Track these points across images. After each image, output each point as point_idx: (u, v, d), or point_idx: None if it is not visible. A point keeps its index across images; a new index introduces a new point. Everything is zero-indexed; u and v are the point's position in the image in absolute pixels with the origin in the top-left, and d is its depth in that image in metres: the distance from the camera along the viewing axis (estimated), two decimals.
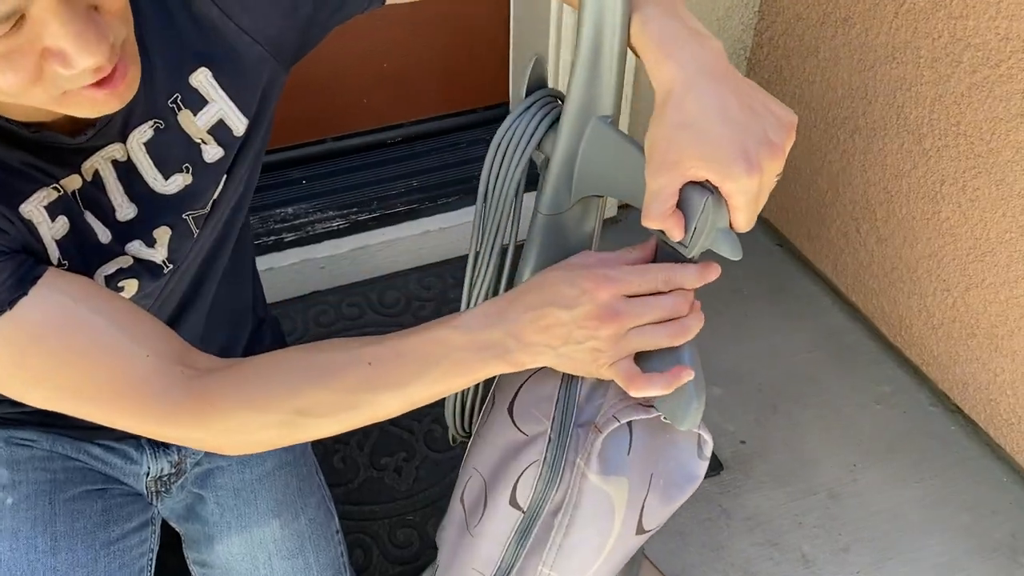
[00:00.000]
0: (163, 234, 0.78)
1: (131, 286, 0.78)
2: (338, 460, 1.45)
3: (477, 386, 0.92)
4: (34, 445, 0.95)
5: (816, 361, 1.63)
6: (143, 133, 0.73)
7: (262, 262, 1.69)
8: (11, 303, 0.65)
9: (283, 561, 0.99)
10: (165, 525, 1.05)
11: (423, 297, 1.74)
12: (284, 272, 1.69)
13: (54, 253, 0.71)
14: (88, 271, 0.74)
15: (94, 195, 0.73)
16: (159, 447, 1.00)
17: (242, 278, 1.01)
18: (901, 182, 1.49)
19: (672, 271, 0.65)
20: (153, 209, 0.76)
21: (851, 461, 1.46)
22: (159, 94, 0.73)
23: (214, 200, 0.80)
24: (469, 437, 0.98)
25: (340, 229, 1.71)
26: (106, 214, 0.75)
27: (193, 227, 0.80)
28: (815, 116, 1.65)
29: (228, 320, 0.99)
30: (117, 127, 0.72)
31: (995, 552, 1.33)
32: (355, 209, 1.73)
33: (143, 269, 0.78)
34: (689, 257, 0.65)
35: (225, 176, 0.79)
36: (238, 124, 0.77)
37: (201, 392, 0.70)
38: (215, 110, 0.76)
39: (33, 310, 0.66)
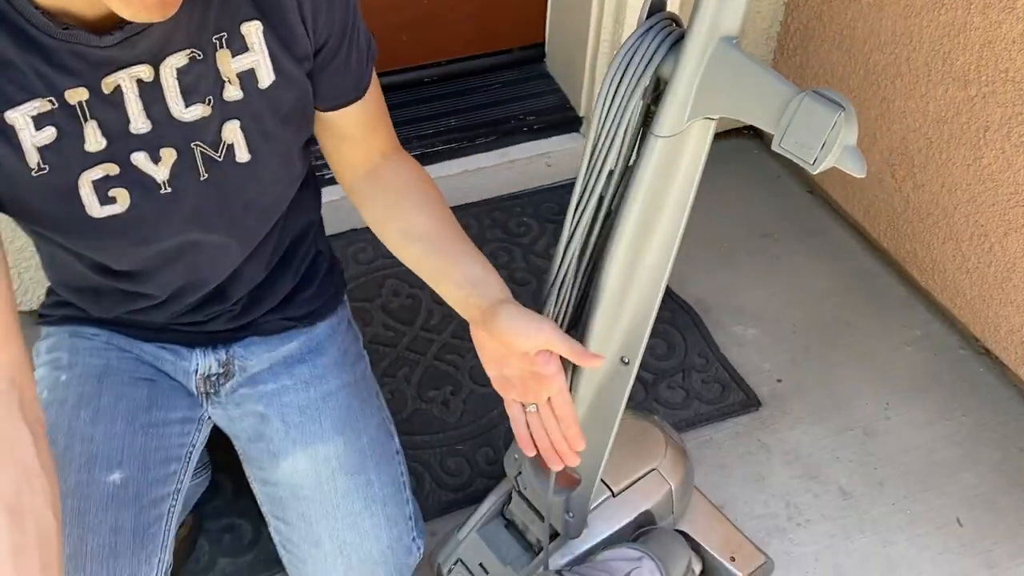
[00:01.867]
0: (169, 155, 0.80)
1: (122, 196, 0.80)
2: (386, 392, 1.48)
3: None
4: (95, 338, 1.01)
5: (848, 303, 1.67)
6: (179, 59, 0.76)
7: None
8: None
9: (346, 477, 1.02)
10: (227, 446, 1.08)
11: None
12: (323, 209, 1.70)
13: (33, 158, 0.75)
14: (70, 175, 0.77)
15: (103, 107, 0.76)
16: (208, 346, 1.04)
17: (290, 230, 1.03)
18: (943, 128, 1.51)
19: None
20: (166, 130, 0.79)
21: (884, 400, 1.51)
22: (207, 29, 0.76)
23: (229, 146, 0.82)
24: None
25: None
26: (112, 126, 0.77)
27: (201, 167, 0.82)
28: (855, 62, 1.67)
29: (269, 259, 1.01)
30: (151, 47, 0.74)
31: None
32: None
33: (136, 182, 0.80)
34: (814, 173, 0.67)
35: (238, 122, 0.81)
36: (266, 78, 0.80)
37: None
38: (251, 59, 0.79)
39: None
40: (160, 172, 0.81)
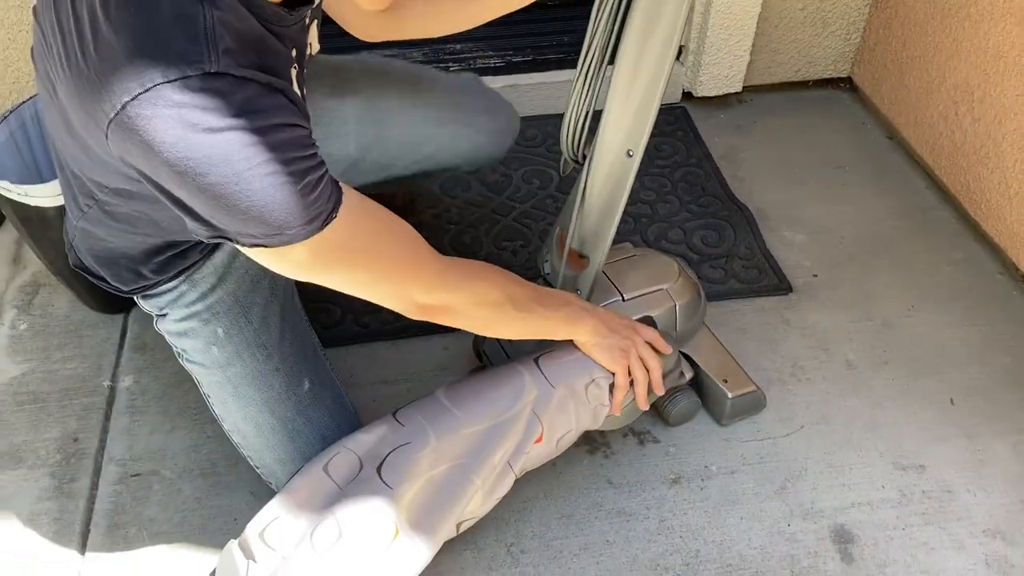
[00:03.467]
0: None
1: None
2: (468, 238, 1.76)
3: (587, 114, 1.19)
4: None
5: (900, 228, 1.80)
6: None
7: None
8: (338, 198, 0.88)
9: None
10: None
11: (558, 137, 2.01)
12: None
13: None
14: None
15: (304, 60, 0.99)
16: None
17: None
18: (999, 63, 1.63)
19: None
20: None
21: (910, 302, 1.64)
22: None
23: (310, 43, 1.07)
24: (579, 163, 1.26)
25: (496, 67, 2.01)
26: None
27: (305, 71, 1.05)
28: (933, 7, 1.81)
29: None
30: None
31: None
32: (511, 52, 2.02)
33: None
34: None
35: (316, 21, 1.07)
36: None
37: (445, 268, 1.05)
38: None
39: (348, 200, 0.89)
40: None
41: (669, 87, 2.08)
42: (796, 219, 1.82)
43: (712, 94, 2.08)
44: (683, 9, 1.05)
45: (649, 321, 1.35)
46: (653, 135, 2.04)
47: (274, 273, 1.22)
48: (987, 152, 1.70)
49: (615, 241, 1.27)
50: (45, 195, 1.34)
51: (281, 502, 1.12)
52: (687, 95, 2.11)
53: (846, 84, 2.19)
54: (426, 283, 1.03)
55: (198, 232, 0.87)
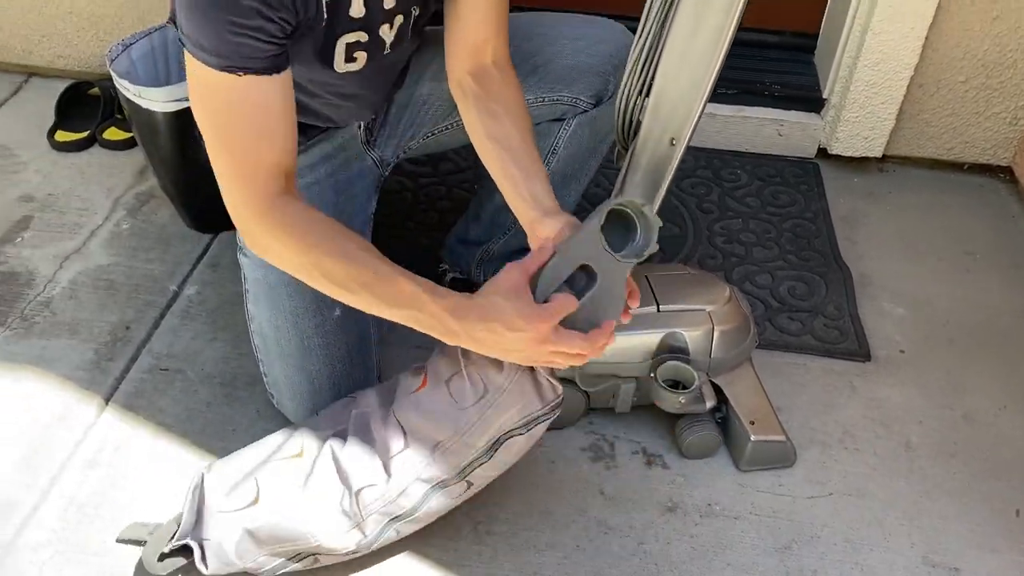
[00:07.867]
0: (397, 21, 1.09)
1: (361, 58, 1.08)
2: None
3: (640, 97, 1.15)
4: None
5: (1020, 326, 1.61)
6: None
7: None
8: (254, 71, 0.93)
9: None
10: None
11: None
12: None
13: (324, 14, 1.00)
14: (334, 35, 1.03)
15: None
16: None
17: None
18: None
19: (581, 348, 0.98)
20: (402, 5, 1.08)
21: (1004, 402, 1.45)
22: None
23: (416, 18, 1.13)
24: (627, 150, 1.22)
25: None
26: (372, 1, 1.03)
27: (408, 28, 1.12)
28: None
29: None
30: None
31: None
32: None
33: (374, 47, 1.08)
34: None
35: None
36: None
37: (281, 202, 1.00)
38: None
39: (258, 87, 0.94)
40: (389, 37, 1.08)
41: (805, 140, 2.00)
42: (901, 292, 1.67)
43: (848, 154, 1.97)
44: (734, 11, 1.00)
45: (679, 338, 1.28)
46: (774, 183, 1.96)
47: (347, 198, 1.29)
48: None
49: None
50: (156, 98, 1.46)
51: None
52: (823, 152, 2.01)
53: (1006, 174, 2.00)
54: (256, 202, 0.99)
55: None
